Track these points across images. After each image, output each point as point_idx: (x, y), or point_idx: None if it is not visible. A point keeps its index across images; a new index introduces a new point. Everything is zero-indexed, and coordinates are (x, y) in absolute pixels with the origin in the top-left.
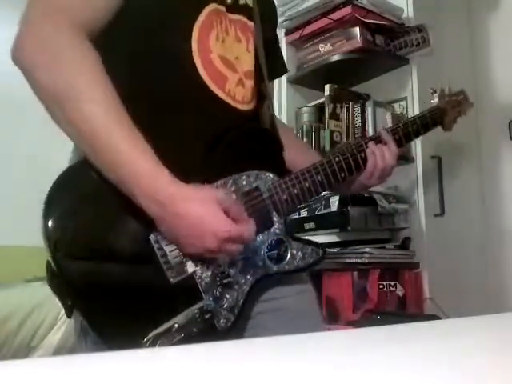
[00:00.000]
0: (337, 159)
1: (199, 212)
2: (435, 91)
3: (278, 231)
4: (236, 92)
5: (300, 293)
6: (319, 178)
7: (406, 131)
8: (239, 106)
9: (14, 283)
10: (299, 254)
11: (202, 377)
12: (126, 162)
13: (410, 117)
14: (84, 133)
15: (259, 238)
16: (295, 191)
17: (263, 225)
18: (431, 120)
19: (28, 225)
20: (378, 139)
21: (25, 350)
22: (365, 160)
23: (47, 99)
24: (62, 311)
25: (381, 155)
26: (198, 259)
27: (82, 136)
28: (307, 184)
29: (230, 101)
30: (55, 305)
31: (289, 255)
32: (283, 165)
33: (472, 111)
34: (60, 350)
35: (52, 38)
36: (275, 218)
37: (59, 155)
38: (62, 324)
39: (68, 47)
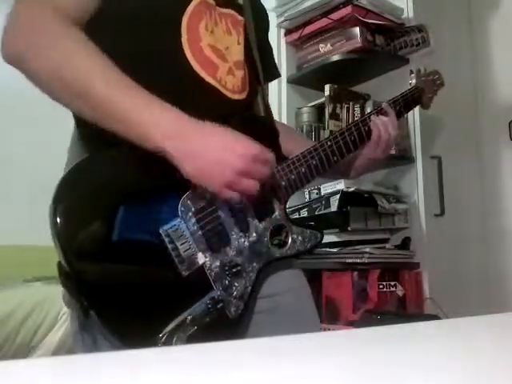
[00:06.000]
0: (342, 136)
1: (226, 132)
2: (412, 72)
3: (278, 217)
4: (227, 80)
5: (295, 289)
6: (314, 162)
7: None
8: (230, 95)
9: (14, 283)
10: (299, 238)
11: (201, 378)
12: (136, 110)
13: (392, 98)
14: (93, 103)
15: (262, 224)
16: (293, 177)
17: (265, 212)
18: (412, 99)
19: (28, 225)
20: (379, 111)
21: (25, 350)
22: (369, 132)
23: (45, 79)
24: (62, 311)
25: (383, 126)
26: (209, 244)
27: (91, 106)
28: (303, 169)
29: (221, 88)
30: (55, 305)
31: (290, 240)
32: (279, 151)
33: (472, 111)
34: (60, 350)
35: (43, 24)
36: (275, 205)
37: (59, 155)
38: (62, 324)
39: (60, 29)
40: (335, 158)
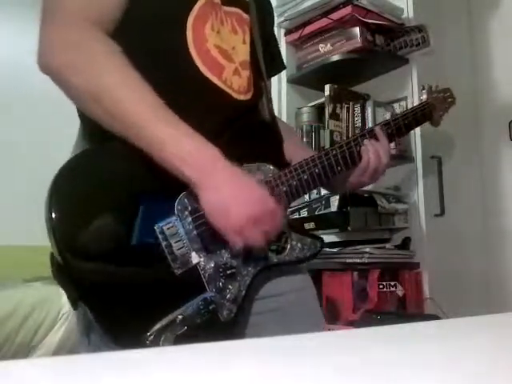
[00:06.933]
0: (334, 152)
1: (252, 182)
2: (424, 87)
3: None
4: (233, 81)
5: (299, 290)
6: (317, 170)
7: (397, 126)
8: (236, 96)
9: (14, 283)
10: (298, 245)
11: (201, 378)
12: (171, 141)
13: (402, 111)
14: (126, 123)
15: None
16: (294, 183)
17: None
18: (421, 115)
19: (28, 225)
20: (371, 135)
21: (25, 350)
22: (360, 155)
23: (83, 96)
24: (62, 311)
25: (375, 153)
26: (210, 245)
27: (125, 125)
28: (305, 176)
29: (227, 89)
30: (55, 305)
31: (289, 246)
32: (283, 157)
33: (472, 111)
34: (60, 350)
35: (77, 38)
36: None
37: (59, 155)
38: (62, 324)
39: (94, 44)
40: (339, 168)
